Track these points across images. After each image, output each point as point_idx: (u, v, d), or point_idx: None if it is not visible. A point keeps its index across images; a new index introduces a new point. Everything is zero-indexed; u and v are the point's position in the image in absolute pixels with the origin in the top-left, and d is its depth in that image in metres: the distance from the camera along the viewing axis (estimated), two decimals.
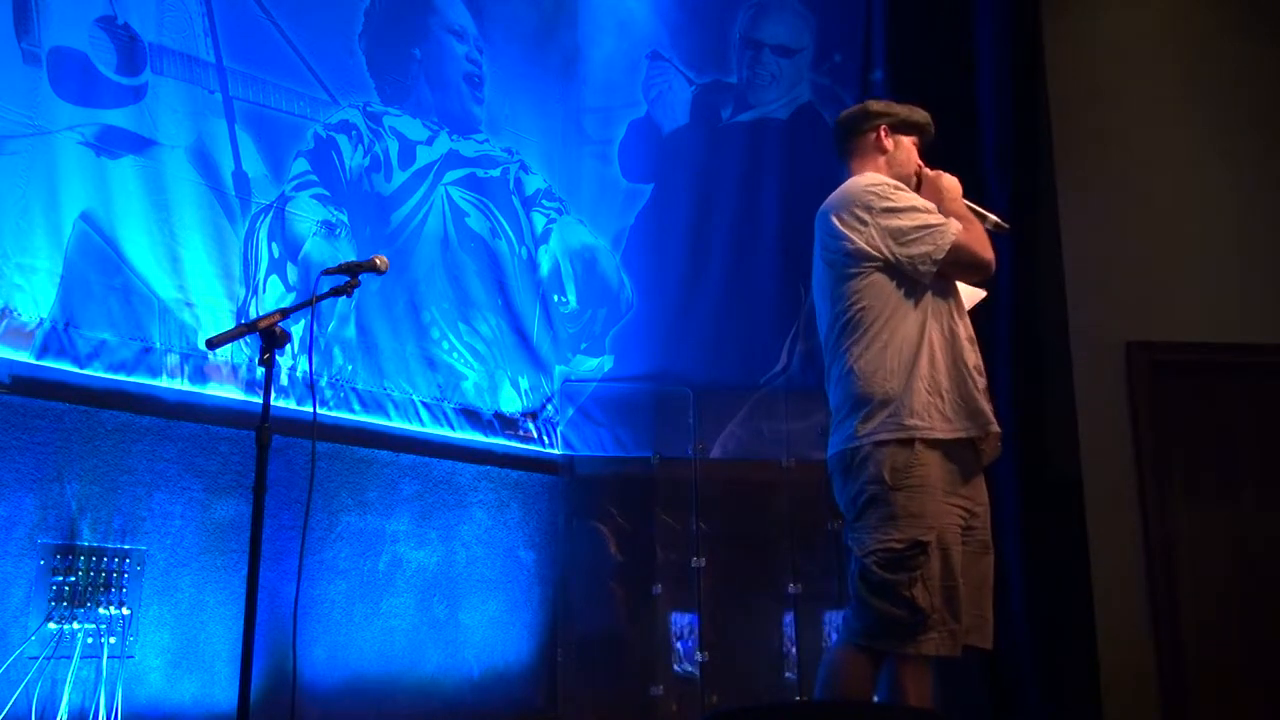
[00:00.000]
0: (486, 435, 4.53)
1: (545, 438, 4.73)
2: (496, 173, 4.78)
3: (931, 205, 2.78)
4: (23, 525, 3.26)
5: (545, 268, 4.89)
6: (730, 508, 4.54)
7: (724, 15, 5.21)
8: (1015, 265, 4.59)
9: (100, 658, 3.32)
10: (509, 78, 4.88)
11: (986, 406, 2.68)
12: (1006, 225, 2.93)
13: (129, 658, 3.40)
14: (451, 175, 4.61)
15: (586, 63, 5.13)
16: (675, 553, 4.48)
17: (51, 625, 3.26)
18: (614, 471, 4.70)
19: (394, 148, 4.44)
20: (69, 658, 3.26)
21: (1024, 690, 4.28)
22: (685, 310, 4.93)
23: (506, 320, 4.70)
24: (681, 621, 4.43)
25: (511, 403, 4.65)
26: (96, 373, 3.50)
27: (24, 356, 3.35)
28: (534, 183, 4.91)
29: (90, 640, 3.32)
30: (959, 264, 2.70)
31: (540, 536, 4.60)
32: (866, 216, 2.72)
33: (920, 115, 3.01)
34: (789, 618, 4.47)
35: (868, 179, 2.82)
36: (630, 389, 4.80)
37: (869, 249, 2.71)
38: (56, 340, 3.43)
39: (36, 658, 3.20)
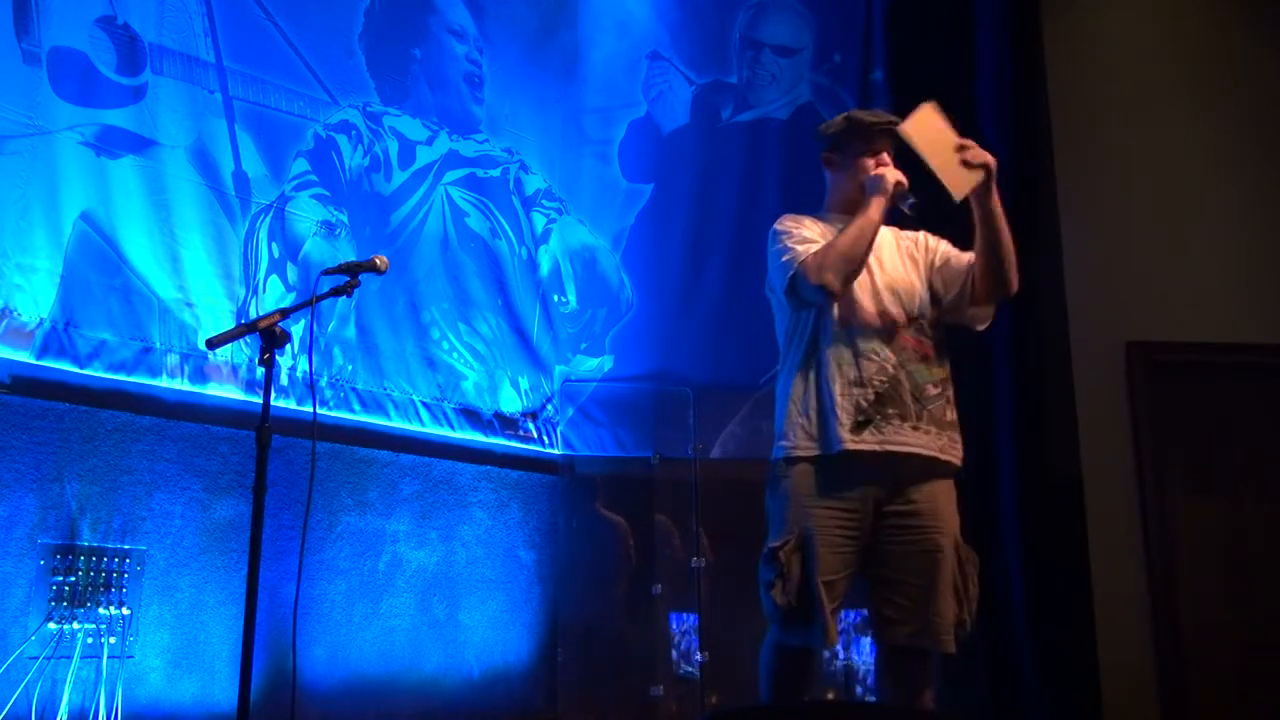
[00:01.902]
0: (486, 435, 4.53)
1: (545, 438, 4.73)
2: (496, 173, 4.78)
3: (809, 237, 2.81)
4: (23, 525, 3.27)
5: (545, 268, 4.89)
6: (730, 508, 4.53)
7: (724, 15, 5.20)
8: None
9: (100, 658, 3.32)
10: (509, 78, 4.88)
11: (841, 425, 2.69)
12: (916, 212, 2.84)
13: (129, 658, 3.40)
14: (451, 175, 4.61)
15: (586, 63, 5.13)
16: (675, 553, 4.48)
17: (51, 625, 3.26)
18: (614, 471, 4.70)
19: (394, 148, 4.44)
20: (69, 658, 3.26)
21: (1024, 688, 4.28)
22: (685, 310, 4.93)
23: (506, 320, 4.70)
24: (681, 621, 4.42)
25: (511, 403, 4.65)
26: (96, 373, 3.50)
27: (24, 356, 3.35)
28: (534, 183, 4.91)
29: (90, 640, 3.32)
30: (799, 296, 2.77)
31: (540, 536, 4.60)
32: (768, 254, 2.89)
33: (839, 124, 2.96)
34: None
35: (777, 221, 2.91)
36: (630, 389, 4.80)
37: (770, 284, 2.91)
38: (56, 340, 3.43)
39: (36, 658, 3.20)
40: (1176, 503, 4.74)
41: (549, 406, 4.78)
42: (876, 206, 2.76)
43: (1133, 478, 4.71)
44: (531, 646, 4.48)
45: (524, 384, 4.71)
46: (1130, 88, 5.08)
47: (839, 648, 4.32)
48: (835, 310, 2.77)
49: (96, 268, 3.55)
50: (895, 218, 2.91)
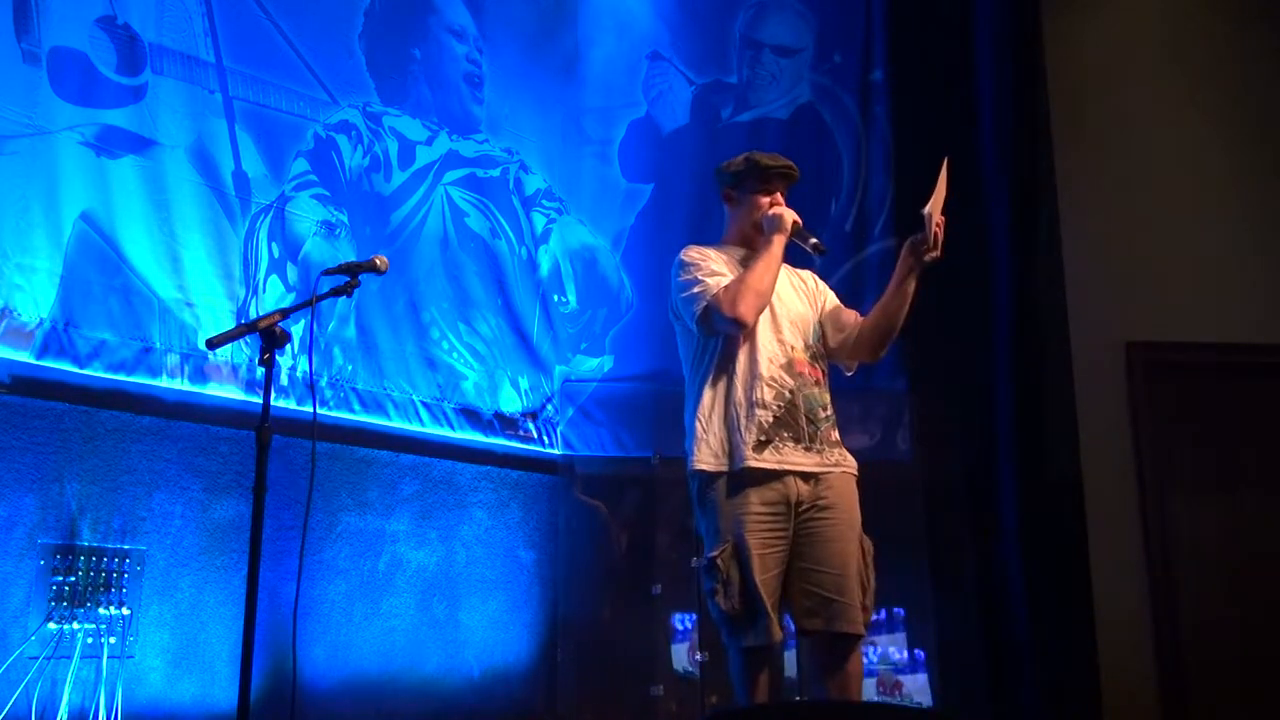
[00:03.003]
0: (486, 435, 4.53)
1: (545, 438, 4.73)
2: (496, 173, 4.78)
3: (717, 270, 2.99)
4: (23, 525, 3.27)
5: (545, 268, 4.89)
6: None
7: (724, 15, 5.20)
8: (1015, 265, 4.59)
9: (100, 658, 3.32)
10: (509, 78, 4.88)
11: (745, 443, 2.88)
12: (824, 249, 3.06)
13: (129, 658, 3.40)
14: (451, 175, 4.61)
15: (586, 63, 5.13)
16: (675, 553, 4.48)
17: (51, 625, 3.26)
18: (614, 471, 4.70)
19: (394, 148, 4.44)
20: (69, 658, 3.26)
21: (1024, 690, 4.28)
22: None
23: (506, 320, 4.70)
24: (681, 621, 4.42)
25: (511, 403, 4.65)
26: (96, 373, 3.50)
27: (24, 356, 3.35)
28: (534, 183, 4.91)
29: (90, 640, 3.32)
30: (711, 326, 2.96)
31: (540, 536, 4.60)
32: (673, 285, 3.07)
33: (739, 164, 3.12)
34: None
35: (682, 252, 3.08)
36: (630, 389, 4.79)
37: (675, 311, 3.09)
38: (56, 340, 3.43)
39: (36, 658, 3.20)
40: (1176, 503, 4.74)
41: (549, 406, 4.78)
42: (779, 243, 3.00)
43: (1133, 478, 4.72)
44: (531, 646, 4.48)
45: (524, 384, 4.71)
46: (1130, 87, 5.08)
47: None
48: (741, 338, 2.97)
49: (96, 268, 3.55)
50: (796, 256, 3.10)
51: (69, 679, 3.24)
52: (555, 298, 4.90)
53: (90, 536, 3.38)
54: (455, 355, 4.49)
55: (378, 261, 2.97)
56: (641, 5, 5.18)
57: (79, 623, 3.31)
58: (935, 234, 2.91)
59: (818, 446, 2.94)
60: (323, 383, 4.03)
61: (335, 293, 2.93)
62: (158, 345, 3.64)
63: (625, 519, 4.62)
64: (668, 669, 4.39)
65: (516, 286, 4.75)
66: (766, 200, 3.08)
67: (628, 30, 5.16)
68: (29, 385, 3.35)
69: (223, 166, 3.91)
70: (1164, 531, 4.67)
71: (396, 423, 4.25)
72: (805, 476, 2.90)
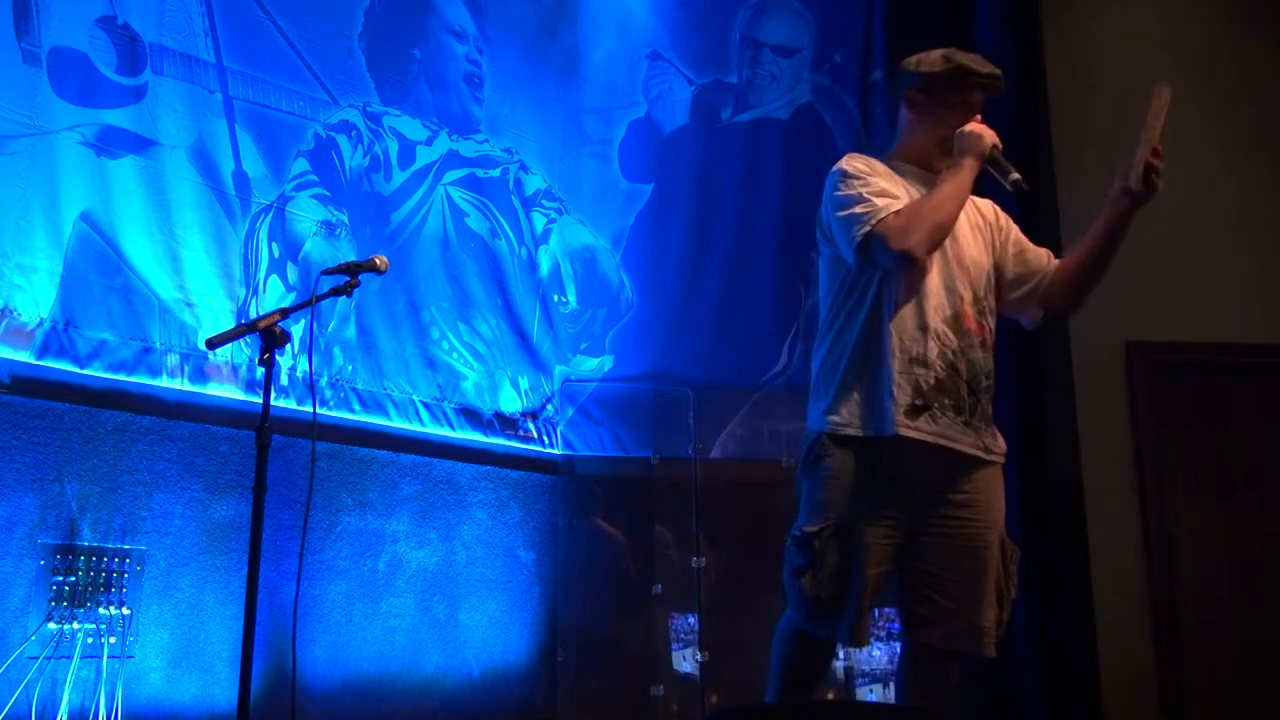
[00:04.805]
0: (486, 435, 4.53)
1: (545, 438, 4.73)
2: (496, 173, 4.78)
3: (887, 188, 2.50)
4: (23, 525, 3.27)
5: (545, 268, 4.89)
6: (730, 508, 4.54)
7: (724, 15, 5.21)
8: None
9: (100, 658, 3.32)
10: (509, 78, 4.88)
11: (897, 406, 2.42)
12: (1026, 187, 2.60)
13: (129, 658, 3.40)
14: (451, 175, 4.61)
15: (586, 63, 5.14)
16: (675, 553, 4.48)
17: (51, 625, 3.26)
18: (614, 471, 4.70)
19: (394, 148, 4.44)
20: (69, 658, 3.26)
21: (1024, 690, 4.28)
22: (685, 310, 4.93)
23: (506, 320, 4.70)
24: (681, 621, 4.42)
25: (511, 403, 4.65)
26: (96, 373, 3.50)
27: (24, 356, 3.35)
28: (534, 183, 4.91)
29: (90, 640, 3.32)
30: (871, 257, 2.44)
31: (540, 536, 4.60)
32: (828, 199, 2.57)
33: (936, 62, 2.61)
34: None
35: (844, 160, 2.60)
36: (630, 389, 4.80)
37: (826, 232, 2.61)
38: (56, 340, 3.43)
39: (36, 658, 3.20)
40: (1176, 503, 4.74)
41: (549, 406, 4.78)
42: (970, 170, 2.51)
43: (1133, 478, 4.71)
44: (531, 646, 4.48)
45: (524, 384, 4.71)
46: (1130, 86, 5.06)
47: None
48: (903, 278, 2.47)
49: (96, 268, 3.55)
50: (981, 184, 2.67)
51: (69, 679, 3.24)
52: (555, 298, 4.90)
53: (90, 536, 3.38)
54: (455, 355, 4.50)
55: (378, 261, 2.98)
56: (641, 5, 5.18)
57: (79, 623, 3.31)
58: (1148, 163, 2.51)
59: (977, 422, 2.46)
60: (323, 383, 4.03)
61: (335, 293, 2.94)
62: (158, 345, 3.64)
63: (625, 519, 4.62)
64: (668, 669, 4.39)
65: (516, 286, 4.75)
66: (960, 115, 2.57)
67: (628, 30, 5.17)
68: (29, 385, 3.35)
69: (223, 166, 3.91)
70: (1164, 531, 4.67)
71: (396, 423, 4.25)
72: (952, 458, 2.45)
